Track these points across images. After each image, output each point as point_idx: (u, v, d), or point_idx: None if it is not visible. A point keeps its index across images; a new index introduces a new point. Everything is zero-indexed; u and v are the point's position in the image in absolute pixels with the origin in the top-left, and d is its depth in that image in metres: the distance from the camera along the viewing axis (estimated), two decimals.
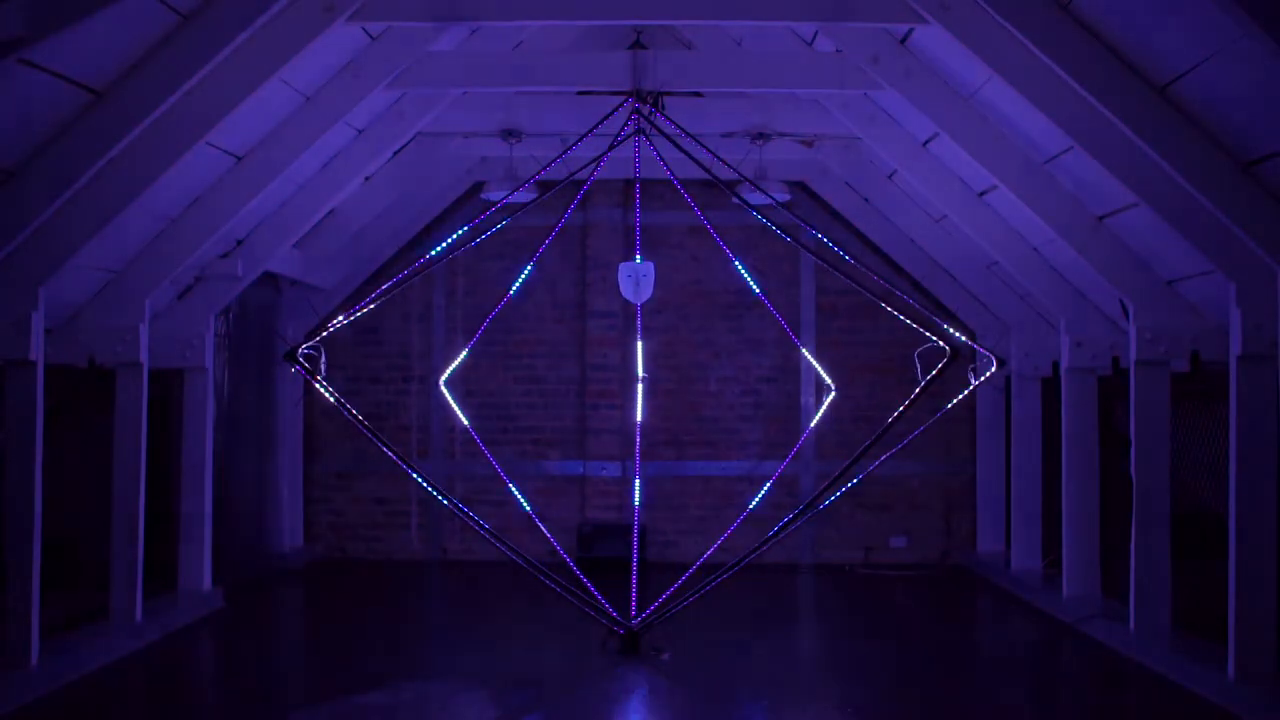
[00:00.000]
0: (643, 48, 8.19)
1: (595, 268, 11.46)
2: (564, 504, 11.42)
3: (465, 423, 8.34)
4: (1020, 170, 7.54)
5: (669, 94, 7.89)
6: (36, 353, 6.49)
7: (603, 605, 7.69)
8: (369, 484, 11.55)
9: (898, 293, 7.64)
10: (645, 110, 7.50)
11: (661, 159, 7.62)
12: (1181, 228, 6.43)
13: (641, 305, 7.72)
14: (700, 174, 7.84)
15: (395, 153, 9.32)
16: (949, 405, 8.21)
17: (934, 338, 7.56)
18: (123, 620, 7.70)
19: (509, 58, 8.74)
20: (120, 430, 7.83)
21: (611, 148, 7.57)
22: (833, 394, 8.39)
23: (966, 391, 8.06)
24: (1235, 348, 6.30)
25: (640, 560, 7.94)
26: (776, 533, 7.76)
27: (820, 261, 7.83)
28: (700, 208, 7.88)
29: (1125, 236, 7.48)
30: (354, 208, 10.06)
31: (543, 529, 7.97)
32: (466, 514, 7.85)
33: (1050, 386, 9.73)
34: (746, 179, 8.19)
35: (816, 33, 8.03)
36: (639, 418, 7.75)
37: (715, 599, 7.97)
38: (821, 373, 8.46)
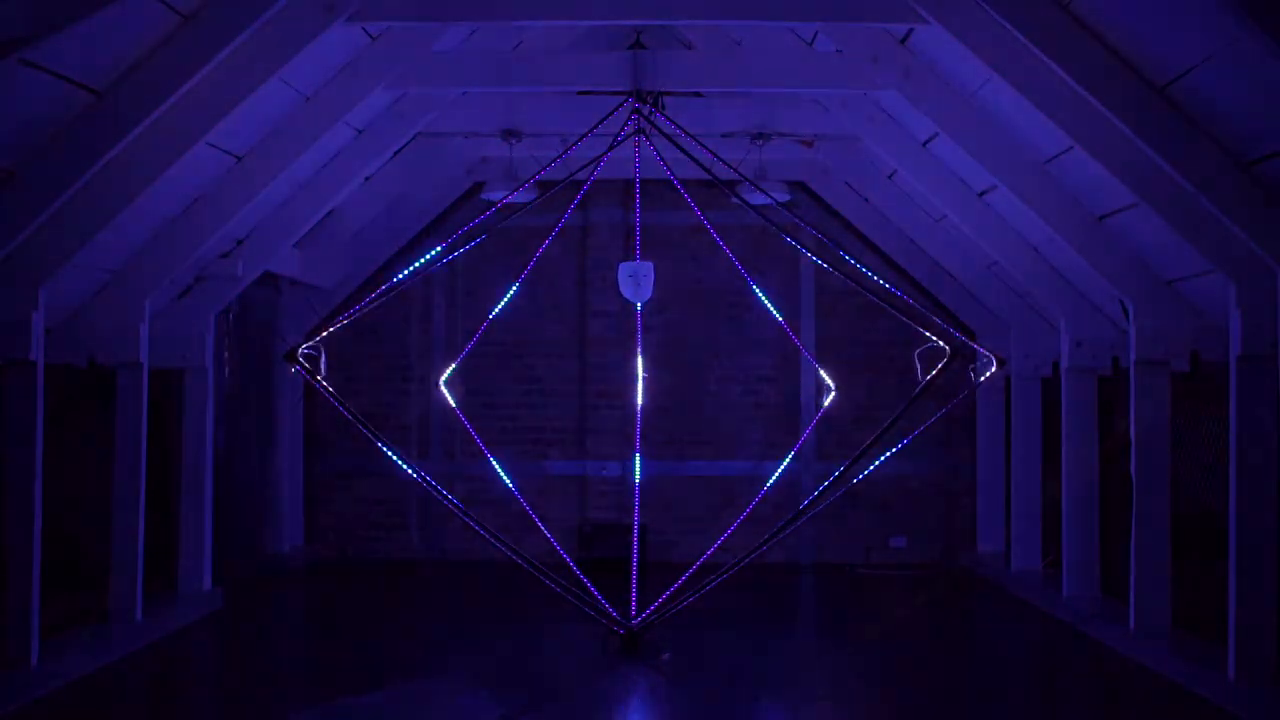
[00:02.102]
0: (643, 48, 8.19)
1: (595, 268, 11.46)
2: (564, 504, 11.41)
3: (465, 423, 8.33)
4: (1020, 170, 7.54)
5: (669, 94, 7.89)
6: (36, 353, 6.49)
7: (603, 605, 7.69)
8: (369, 484, 11.54)
9: (898, 293, 7.64)
10: (645, 110, 7.49)
11: (661, 159, 7.62)
12: (1181, 228, 6.43)
13: (641, 305, 7.72)
14: (700, 174, 7.83)
15: (395, 153, 9.31)
16: (949, 405, 8.21)
17: (934, 338, 7.56)
18: (123, 620, 7.70)
19: (509, 58, 8.73)
20: (120, 430, 7.84)
21: (611, 148, 7.57)
22: (833, 394, 8.39)
23: (967, 391, 8.07)
24: (1235, 348, 6.30)
25: (640, 560, 7.95)
26: (776, 533, 7.76)
27: (820, 261, 7.82)
28: (700, 208, 7.87)
29: (1125, 236, 7.48)
30: (354, 208, 10.06)
31: (543, 529, 7.96)
32: (466, 514, 7.85)
33: (1050, 386, 9.73)
34: (746, 179, 8.19)
35: (817, 33, 8.04)
36: (639, 417, 7.75)
37: (715, 599, 7.97)
38: (821, 373, 8.45)
